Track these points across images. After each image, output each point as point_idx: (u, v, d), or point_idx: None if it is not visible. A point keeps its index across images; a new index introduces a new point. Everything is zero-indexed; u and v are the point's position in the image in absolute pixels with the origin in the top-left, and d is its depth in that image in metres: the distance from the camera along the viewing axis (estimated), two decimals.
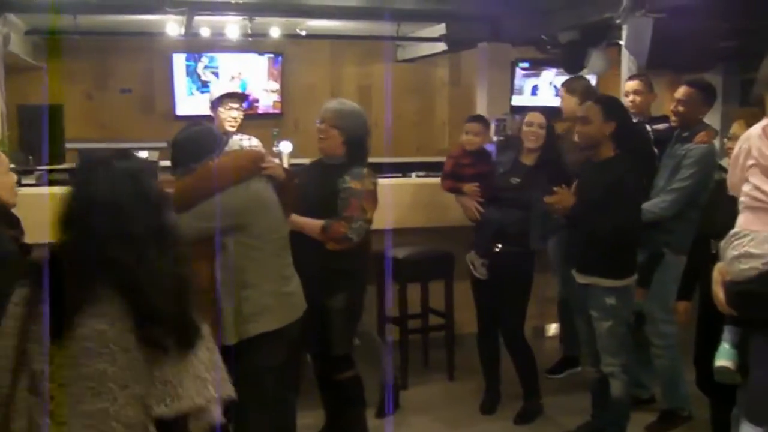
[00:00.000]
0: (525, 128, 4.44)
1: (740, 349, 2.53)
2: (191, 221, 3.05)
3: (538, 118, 4.42)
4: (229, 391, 2.00)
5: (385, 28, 9.12)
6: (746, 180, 2.23)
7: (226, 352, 3.08)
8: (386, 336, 4.94)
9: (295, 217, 3.67)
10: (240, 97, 4.99)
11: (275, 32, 9.09)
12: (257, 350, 3.15)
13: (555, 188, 3.94)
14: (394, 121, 10.75)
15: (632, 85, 4.90)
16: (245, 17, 8.38)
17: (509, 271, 4.45)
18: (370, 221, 3.83)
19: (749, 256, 2.19)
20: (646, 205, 4.23)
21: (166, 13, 7.83)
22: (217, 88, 5.18)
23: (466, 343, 5.38)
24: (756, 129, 2.22)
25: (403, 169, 8.00)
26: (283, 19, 8.79)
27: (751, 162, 2.21)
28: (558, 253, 4.99)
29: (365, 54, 10.55)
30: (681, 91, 4.34)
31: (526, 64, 9.89)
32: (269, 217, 3.23)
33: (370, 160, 4.01)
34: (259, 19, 8.50)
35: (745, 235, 2.22)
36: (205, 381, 1.90)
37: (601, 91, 7.86)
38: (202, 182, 3.09)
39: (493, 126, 6.54)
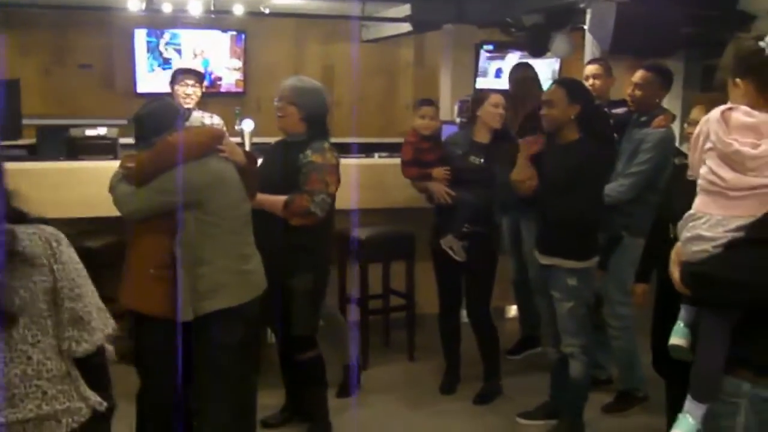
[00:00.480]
0: (491, 109, 4.44)
1: (694, 329, 2.56)
2: (150, 195, 3.06)
3: (502, 99, 4.44)
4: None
5: (349, 7, 9.08)
6: (703, 162, 2.26)
7: (185, 329, 3.11)
8: (349, 316, 4.94)
9: (259, 196, 3.66)
10: (195, 73, 4.91)
11: (238, 9, 8.98)
12: (213, 327, 3.15)
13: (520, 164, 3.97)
14: (358, 102, 10.71)
15: (591, 69, 4.95)
16: None
17: (478, 251, 4.47)
18: (333, 196, 3.82)
19: (700, 238, 2.22)
20: (605, 189, 4.27)
21: None
22: (178, 65, 5.14)
23: (426, 323, 5.40)
24: (715, 113, 2.24)
25: (367, 150, 7.97)
26: None
27: (708, 145, 2.23)
28: (510, 233, 5.05)
29: (329, 33, 10.46)
30: (638, 75, 4.38)
31: (490, 47, 9.90)
32: (228, 194, 3.21)
33: (334, 140, 3.99)
34: None
35: (699, 218, 2.24)
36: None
37: (565, 75, 7.94)
38: (161, 156, 3.08)
39: (456, 107, 6.54)
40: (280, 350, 4.16)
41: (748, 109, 2.18)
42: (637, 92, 4.36)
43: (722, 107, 2.23)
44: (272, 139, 4.18)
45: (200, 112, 4.95)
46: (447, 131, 5.24)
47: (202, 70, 5.32)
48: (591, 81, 4.86)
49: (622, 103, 4.73)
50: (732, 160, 2.15)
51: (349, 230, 5.05)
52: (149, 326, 3.17)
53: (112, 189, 3.21)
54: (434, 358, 5.05)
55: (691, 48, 7.81)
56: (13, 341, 1.79)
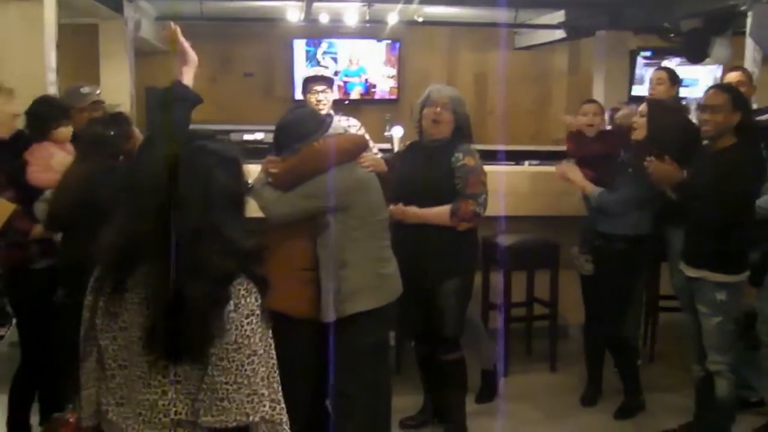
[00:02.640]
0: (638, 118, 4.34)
1: None
2: (296, 200, 3.21)
3: (643, 107, 4.32)
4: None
5: (502, 15, 9.09)
6: None
7: (326, 329, 3.24)
8: (491, 323, 4.96)
9: (416, 211, 3.78)
10: (323, 79, 5.02)
11: (393, 19, 9.17)
12: (356, 329, 3.25)
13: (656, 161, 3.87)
14: (510, 109, 10.70)
15: (735, 76, 4.75)
16: (364, 4, 8.52)
17: (609, 265, 4.38)
18: (487, 193, 3.90)
19: None
20: (759, 203, 4.08)
21: (286, 0, 8.07)
22: (306, 73, 5.21)
23: (570, 334, 5.33)
24: None
25: (517, 157, 7.95)
26: (401, 6, 8.86)
27: None
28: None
29: (482, 41, 10.51)
30: None
31: (648, 53, 9.63)
32: (370, 199, 3.34)
33: (486, 147, 4.08)
34: (377, 6, 8.62)
35: None
36: (261, 396, 1.80)
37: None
38: (308, 162, 3.22)
39: (607, 115, 6.43)
40: (423, 352, 4.23)
41: None
42: None
43: None
44: None
45: (340, 117, 5.08)
46: None
47: (331, 74, 5.35)
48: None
49: (765, 110, 4.53)
50: None
51: (495, 237, 5.07)
52: (291, 327, 3.28)
53: (255, 194, 3.32)
54: (576, 369, 4.98)
55: None
56: (154, 368, 1.77)
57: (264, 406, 1.80)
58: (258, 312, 1.82)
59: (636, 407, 4.57)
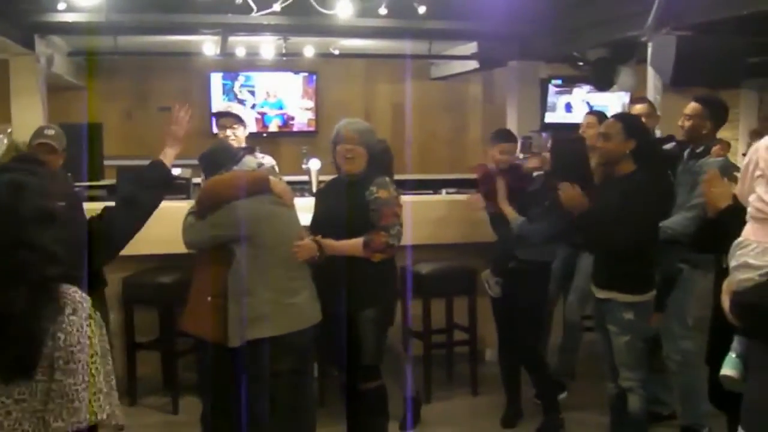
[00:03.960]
0: (542, 152, 4.54)
1: (746, 360, 2.56)
2: (204, 228, 3.46)
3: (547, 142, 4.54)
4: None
5: (417, 46, 9.26)
6: (753, 191, 2.28)
7: (236, 355, 3.32)
8: (410, 350, 5.03)
9: (332, 243, 3.83)
10: (231, 115, 5.03)
11: (309, 51, 9.26)
12: (261, 355, 3.38)
13: (566, 185, 4.01)
14: (428, 138, 10.87)
15: (639, 108, 5.00)
16: (280, 37, 8.58)
17: (522, 288, 4.52)
18: (402, 224, 3.97)
19: (747, 266, 2.23)
20: (666, 223, 4.26)
21: (202, 34, 8.07)
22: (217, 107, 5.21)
23: (489, 358, 5.42)
24: (765, 141, 2.26)
25: (435, 186, 8.08)
26: (317, 39, 8.96)
27: (758, 173, 2.25)
28: (562, 270, 5.08)
29: (398, 72, 10.68)
30: (690, 107, 4.41)
31: (558, 81, 9.91)
32: (277, 230, 3.49)
33: (404, 177, 4.16)
34: (293, 39, 8.69)
35: (747, 245, 2.25)
36: (105, 395, 1.89)
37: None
38: (209, 192, 3.45)
39: (520, 143, 6.59)
40: (344, 381, 4.26)
41: None
42: (687, 123, 4.40)
43: None
44: None
45: (258, 153, 5.08)
46: None
47: (240, 109, 5.35)
48: (643, 120, 4.92)
49: (669, 139, 4.76)
50: None
51: (413, 265, 5.15)
52: (209, 351, 3.41)
53: (184, 220, 3.58)
54: (498, 392, 5.06)
55: (760, 78, 7.73)
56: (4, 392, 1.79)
57: (109, 404, 1.91)
58: (94, 315, 1.91)
59: (555, 427, 4.68)
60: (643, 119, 4.81)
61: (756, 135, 4.29)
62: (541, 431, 4.66)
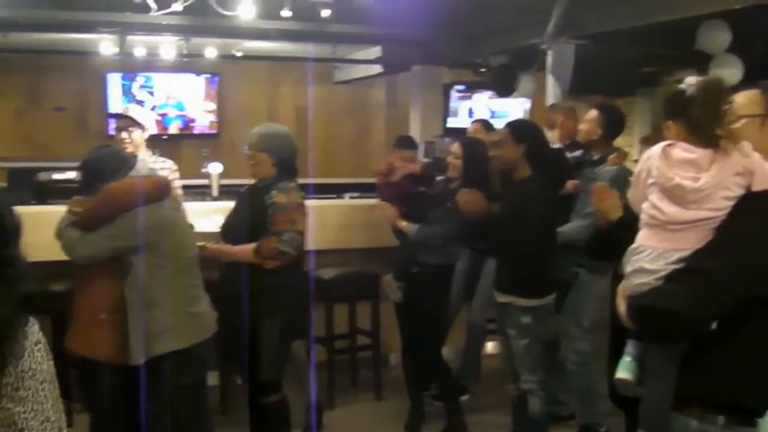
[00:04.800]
0: (447, 157, 4.56)
1: (642, 363, 2.60)
2: (100, 241, 3.14)
3: (457, 148, 4.53)
4: None
5: (321, 49, 9.22)
6: (646, 198, 2.32)
7: (135, 372, 3.15)
8: (312, 356, 4.97)
9: (225, 247, 3.74)
10: (126, 118, 4.89)
11: (211, 53, 9.09)
12: (166, 369, 3.19)
13: (467, 190, 4.04)
14: (331, 142, 10.83)
15: (552, 113, 5.14)
16: (180, 38, 8.39)
17: (425, 292, 4.53)
18: (301, 233, 3.86)
19: (643, 271, 2.26)
20: (563, 229, 4.36)
21: (99, 32, 7.82)
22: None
23: (393, 362, 5.42)
24: (657, 149, 2.30)
25: (339, 190, 8.05)
26: (219, 40, 8.81)
27: (650, 180, 2.29)
28: (465, 274, 5.13)
29: (302, 75, 10.60)
30: (589, 114, 4.53)
31: (461, 87, 10.03)
32: (177, 237, 3.32)
33: (307, 181, 4.09)
34: (194, 40, 8.52)
35: (642, 251, 2.29)
36: (52, 423, 1.77)
37: (534, 114, 8.08)
38: (106, 203, 3.17)
39: (422, 149, 6.63)
40: (247, 393, 4.17)
41: (687, 145, 2.24)
42: (584, 129, 4.52)
43: (663, 143, 2.30)
44: (244, 181, 4.25)
45: (153, 156, 4.95)
46: None
47: (138, 111, 5.20)
48: (561, 122, 5.05)
49: (575, 145, 4.87)
50: (673, 194, 2.21)
51: (316, 271, 5.10)
52: (100, 372, 3.18)
53: (59, 234, 3.26)
54: (401, 396, 5.06)
55: (654, 87, 8.01)
56: None
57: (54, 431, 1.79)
58: (41, 339, 1.78)
59: (458, 429, 4.70)
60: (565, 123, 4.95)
61: (646, 142, 4.43)
62: None
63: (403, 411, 4.92)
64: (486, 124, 5.37)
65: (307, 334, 4.20)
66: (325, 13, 6.69)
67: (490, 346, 5.99)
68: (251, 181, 4.05)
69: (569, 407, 4.89)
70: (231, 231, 3.91)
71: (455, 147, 4.51)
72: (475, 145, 4.59)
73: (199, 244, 3.67)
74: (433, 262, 4.53)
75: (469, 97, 9.88)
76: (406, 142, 5.05)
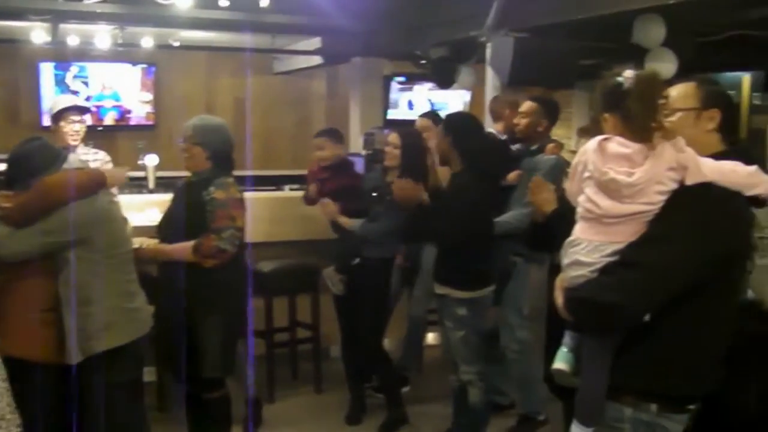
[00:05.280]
0: (385, 147, 4.53)
1: (578, 354, 2.63)
2: (32, 237, 3.01)
3: (394, 138, 4.48)
4: None
5: (260, 40, 9.11)
6: (582, 191, 2.34)
7: (70, 371, 3.06)
8: (252, 350, 4.90)
9: (161, 247, 3.67)
10: (81, 109, 4.81)
11: (147, 42, 8.89)
12: (104, 367, 3.09)
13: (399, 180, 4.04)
14: (271, 134, 10.74)
15: (493, 105, 5.16)
16: (116, 27, 8.20)
17: (366, 284, 4.53)
18: (241, 229, 3.80)
19: (579, 263, 2.29)
20: (504, 217, 4.39)
21: (30, 20, 7.60)
22: (58, 101, 4.96)
23: (333, 355, 5.40)
24: (593, 143, 2.32)
25: (279, 182, 8.00)
26: (156, 30, 8.63)
27: (586, 174, 2.31)
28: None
29: (241, 66, 10.46)
30: (525, 106, 4.58)
31: (402, 79, 10.03)
32: (113, 230, 3.20)
33: (246, 173, 4.02)
34: (130, 29, 8.31)
35: (578, 244, 2.32)
36: (8, 422, 1.81)
37: (474, 106, 8.12)
38: (38, 198, 3.03)
39: (362, 140, 6.62)
40: (187, 389, 4.09)
41: (622, 139, 2.26)
42: (522, 121, 4.56)
43: (599, 138, 2.32)
44: (181, 173, 4.15)
45: (86, 148, 4.85)
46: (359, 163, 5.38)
47: (85, 103, 5.13)
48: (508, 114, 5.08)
49: (515, 138, 4.91)
50: (608, 188, 2.23)
51: (255, 264, 5.05)
52: (33, 372, 3.06)
53: None
54: (342, 388, 5.06)
55: (592, 79, 8.09)
56: None
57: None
58: None
59: (399, 420, 4.72)
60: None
61: (583, 133, 4.47)
62: (386, 426, 4.69)
63: (343, 403, 4.92)
64: (435, 118, 5.35)
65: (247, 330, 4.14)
66: (264, 2, 6.61)
67: (432, 337, 6.01)
68: (187, 174, 3.97)
69: (510, 396, 4.94)
70: (167, 227, 3.85)
71: (393, 137, 4.49)
72: (412, 135, 4.58)
73: (135, 246, 3.58)
74: (375, 256, 4.53)
75: (410, 89, 9.91)
76: (322, 132, 4.99)
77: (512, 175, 4.59)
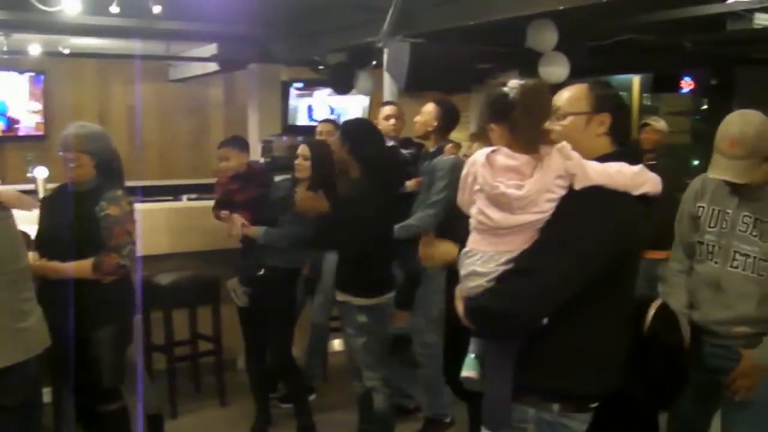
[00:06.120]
0: (296, 161, 4.45)
1: (483, 360, 2.65)
2: None
3: (304, 150, 4.40)
4: None
5: (154, 47, 8.92)
6: (474, 202, 2.35)
7: None
8: (139, 365, 4.74)
9: (56, 266, 3.55)
10: None
11: (35, 50, 8.58)
12: None
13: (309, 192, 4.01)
14: (168, 143, 10.54)
15: (388, 110, 5.15)
16: (1, 33, 7.88)
17: (272, 295, 4.46)
18: (135, 242, 3.73)
19: (475, 274, 2.30)
20: (409, 221, 4.41)
21: None
22: None
23: (238, 366, 5.31)
24: (481, 157, 2.32)
25: (176, 192, 7.84)
26: (44, 36, 8.33)
27: (477, 187, 2.32)
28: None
29: (135, 73, 10.22)
30: (426, 107, 4.63)
31: (300, 85, 9.98)
32: (3, 249, 3.03)
33: (141, 183, 3.90)
34: (17, 36, 8.02)
35: (474, 254, 2.33)
36: None
37: (373, 112, 8.14)
38: None
39: (260, 147, 6.55)
40: (81, 404, 3.96)
41: (509, 151, 2.28)
42: (420, 123, 4.61)
43: (487, 150, 2.33)
44: None
45: None
46: None
47: None
48: (392, 121, 5.07)
49: (408, 142, 4.95)
50: (499, 201, 2.24)
51: (154, 276, 4.93)
52: None
53: None
54: (246, 400, 4.97)
55: (488, 83, 8.24)
56: None
57: None
58: None
59: (307, 429, 4.67)
60: (393, 121, 4.96)
61: (475, 138, 4.57)
62: None
63: (248, 415, 4.84)
64: (336, 124, 5.33)
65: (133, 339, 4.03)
66: (156, 9, 6.46)
67: (336, 344, 5.99)
68: (53, 185, 3.83)
69: (415, 399, 4.96)
70: (51, 242, 3.67)
71: (303, 149, 4.41)
72: (321, 146, 4.53)
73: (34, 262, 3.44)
74: (280, 266, 4.46)
75: (309, 95, 9.86)
76: (226, 142, 4.84)
77: (412, 183, 4.61)
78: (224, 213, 4.56)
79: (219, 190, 4.76)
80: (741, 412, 3.11)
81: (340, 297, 4.06)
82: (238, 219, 4.47)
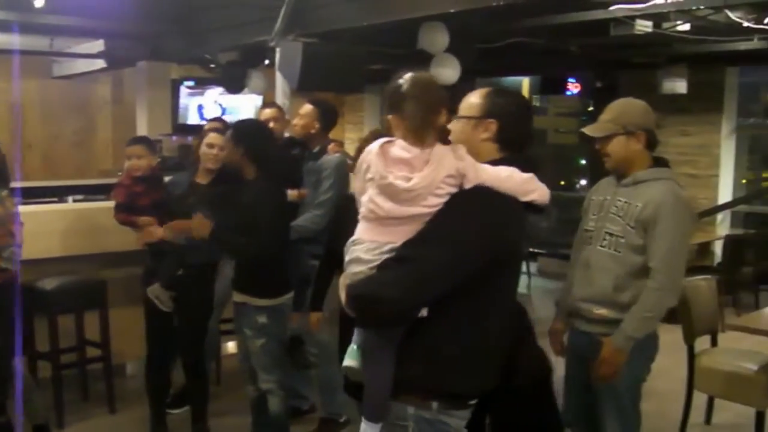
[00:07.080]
0: (206, 149, 4.33)
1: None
2: None
3: (218, 139, 4.30)
4: None
5: (37, 42, 8.58)
6: (366, 190, 2.36)
7: None
8: (19, 373, 4.55)
9: None
10: None
11: None
12: None
13: (193, 216, 3.91)
14: (52, 142, 10.18)
15: (268, 113, 5.02)
16: None
17: (192, 294, 4.34)
18: (20, 245, 3.62)
19: (359, 261, 2.31)
20: (298, 222, 4.40)
21: None
22: None
23: (128, 372, 5.17)
24: (376, 146, 2.34)
25: (62, 193, 7.57)
26: None
27: (369, 176, 2.33)
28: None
29: (15, 69, 9.81)
30: (304, 109, 4.66)
31: (191, 83, 9.79)
32: None
33: (21, 184, 3.75)
34: None
35: (360, 243, 2.34)
36: None
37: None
38: None
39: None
40: None
41: (405, 144, 2.30)
42: (300, 123, 4.64)
43: (382, 141, 2.34)
44: None
45: None
46: None
47: None
48: (272, 124, 5.01)
49: (294, 142, 4.93)
50: (387, 191, 2.27)
51: (37, 281, 4.75)
52: None
53: None
54: (137, 407, 4.86)
55: (382, 84, 8.30)
56: None
57: None
58: None
59: None
60: (272, 124, 4.90)
61: (375, 136, 4.58)
62: None
63: (139, 422, 4.72)
64: (225, 123, 5.22)
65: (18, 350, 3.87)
66: (39, 3, 6.23)
67: (230, 346, 5.91)
68: None
69: (309, 400, 4.95)
70: None
71: (214, 137, 4.28)
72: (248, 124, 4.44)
73: None
74: (198, 262, 4.32)
75: (200, 94, 9.68)
76: (137, 140, 4.68)
77: (293, 194, 4.53)
78: (144, 219, 4.34)
79: (122, 192, 4.48)
80: (610, 401, 3.31)
81: (238, 298, 4.01)
82: (154, 230, 4.30)
